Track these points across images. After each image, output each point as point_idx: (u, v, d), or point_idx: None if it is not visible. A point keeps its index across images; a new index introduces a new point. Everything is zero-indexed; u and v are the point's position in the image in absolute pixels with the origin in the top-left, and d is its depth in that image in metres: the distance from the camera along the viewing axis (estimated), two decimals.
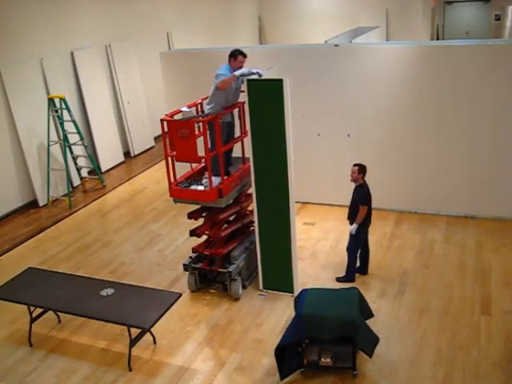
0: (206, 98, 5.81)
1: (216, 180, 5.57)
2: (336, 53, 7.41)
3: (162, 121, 5.47)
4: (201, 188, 5.62)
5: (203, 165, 5.93)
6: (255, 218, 5.76)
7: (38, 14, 9.05)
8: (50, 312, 5.53)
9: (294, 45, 10.37)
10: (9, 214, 8.56)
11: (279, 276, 5.84)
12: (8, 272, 6.55)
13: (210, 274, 6.06)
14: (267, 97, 5.26)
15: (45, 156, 8.87)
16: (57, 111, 8.87)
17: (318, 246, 6.89)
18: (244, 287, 6.02)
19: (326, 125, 7.64)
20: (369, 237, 6.22)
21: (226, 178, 5.66)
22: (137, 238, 7.55)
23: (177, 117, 5.55)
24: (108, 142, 10.50)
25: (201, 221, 6.01)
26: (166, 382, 4.77)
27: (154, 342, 5.26)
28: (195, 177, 5.92)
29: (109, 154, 10.49)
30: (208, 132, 5.55)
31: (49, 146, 8.81)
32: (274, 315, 5.54)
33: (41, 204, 8.86)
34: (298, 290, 5.80)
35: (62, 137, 8.99)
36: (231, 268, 5.78)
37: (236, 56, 5.62)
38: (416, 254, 6.50)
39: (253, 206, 5.81)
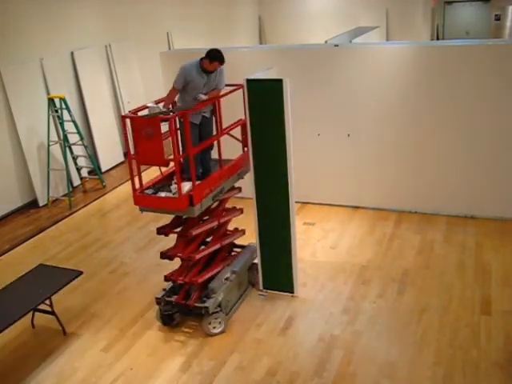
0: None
1: (187, 186, 4.89)
2: (336, 53, 7.41)
3: (123, 118, 4.90)
4: (169, 195, 4.93)
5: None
6: (255, 218, 5.75)
7: (38, 14, 9.04)
8: None
9: (294, 45, 10.37)
10: (9, 214, 8.55)
11: (279, 276, 5.83)
12: (8, 272, 6.56)
13: (184, 308, 5.31)
14: (267, 97, 5.26)
15: (45, 156, 8.87)
16: (57, 111, 8.87)
17: (317, 245, 6.90)
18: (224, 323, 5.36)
19: (325, 125, 7.64)
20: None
21: (198, 183, 4.98)
22: (137, 238, 7.55)
23: (142, 113, 4.91)
24: (108, 142, 10.50)
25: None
26: (166, 381, 4.77)
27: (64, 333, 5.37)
28: (166, 181, 5.22)
29: (109, 154, 10.49)
30: (179, 130, 5.06)
31: (49, 146, 8.81)
32: (274, 315, 5.54)
33: (41, 204, 8.86)
34: (298, 290, 5.82)
35: (62, 137, 8.99)
36: (208, 303, 5.15)
37: (213, 60, 5.03)
38: (416, 254, 6.50)
39: (231, 223, 5.62)
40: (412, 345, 4.96)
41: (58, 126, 8.99)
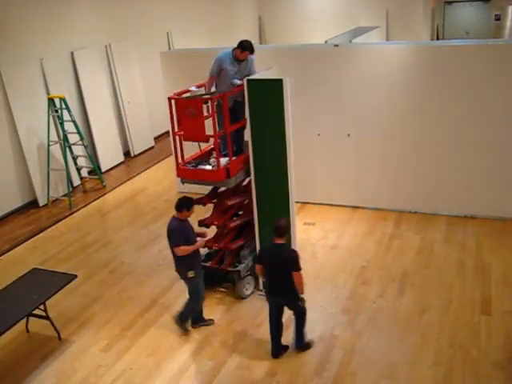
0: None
1: (224, 160, 5.47)
2: (336, 53, 7.41)
3: (169, 99, 5.48)
4: (208, 167, 5.49)
5: (212, 146, 5.77)
6: (255, 218, 5.75)
7: (38, 14, 9.04)
8: None
9: (294, 45, 10.38)
10: (9, 214, 8.55)
11: None
12: (8, 272, 6.56)
13: (216, 274, 5.93)
14: (267, 97, 5.26)
15: (45, 156, 8.87)
16: (57, 111, 8.87)
17: (317, 245, 6.89)
18: (257, 285, 5.92)
19: (325, 125, 7.64)
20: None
21: (233, 158, 5.53)
22: (137, 237, 7.55)
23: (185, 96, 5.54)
24: (108, 142, 10.49)
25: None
26: (166, 381, 4.77)
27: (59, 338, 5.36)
28: (203, 157, 5.79)
29: (109, 154, 10.49)
30: (216, 112, 5.45)
31: (49, 146, 8.81)
32: None
33: (41, 204, 8.86)
34: None
35: (62, 137, 8.99)
36: (240, 267, 5.73)
37: (245, 50, 5.57)
38: (416, 254, 6.50)
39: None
40: (412, 345, 4.96)
41: (58, 126, 8.99)
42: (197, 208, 5.96)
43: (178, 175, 5.69)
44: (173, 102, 5.50)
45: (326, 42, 9.81)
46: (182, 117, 5.37)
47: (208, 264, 5.90)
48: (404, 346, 4.97)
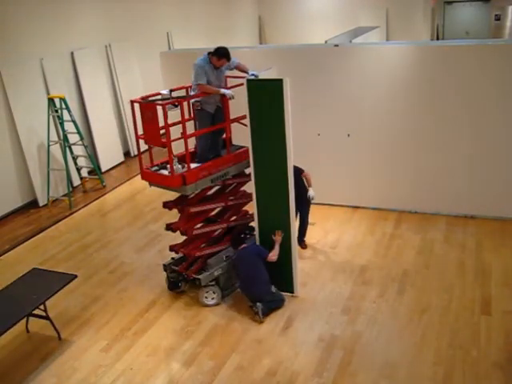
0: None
1: (192, 166, 5.45)
2: (336, 53, 7.41)
3: (132, 102, 5.53)
4: (165, 172, 5.50)
5: (191, 150, 5.67)
6: (255, 218, 5.75)
7: (38, 14, 9.05)
8: None
9: (294, 45, 10.38)
10: (9, 214, 8.55)
11: (279, 276, 5.83)
12: (8, 272, 6.56)
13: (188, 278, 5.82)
14: (267, 97, 5.26)
15: (45, 156, 8.87)
16: (57, 111, 8.87)
17: (317, 245, 6.89)
18: (223, 297, 5.80)
19: (326, 125, 7.64)
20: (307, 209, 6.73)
21: (197, 165, 5.50)
22: (137, 237, 7.55)
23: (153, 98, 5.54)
24: (108, 142, 10.50)
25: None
26: (166, 381, 4.77)
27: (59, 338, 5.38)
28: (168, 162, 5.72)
29: (109, 154, 10.49)
30: (197, 117, 5.63)
31: (49, 146, 8.81)
32: (274, 315, 5.53)
33: (41, 204, 8.86)
34: (298, 289, 5.82)
35: (62, 137, 8.99)
36: (202, 275, 5.58)
37: (221, 58, 5.52)
38: (416, 254, 6.50)
39: (252, 206, 5.78)
40: (412, 345, 4.96)
41: (58, 126, 8.99)
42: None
43: (142, 178, 5.74)
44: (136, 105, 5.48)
45: (326, 42, 9.83)
46: (144, 120, 5.35)
47: (177, 268, 5.86)
48: (404, 346, 4.97)
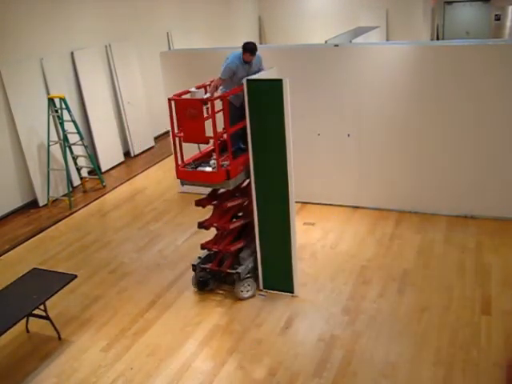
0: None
1: (225, 162, 5.51)
2: (336, 53, 7.41)
3: (169, 100, 5.46)
4: (209, 169, 5.52)
5: (212, 147, 5.76)
6: (255, 218, 5.75)
7: (38, 13, 9.04)
8: None
9: (294, 45, 10.37)
10: (9, 214, 8.55)
11: (279, 276, 5.83)
12: (8, 272, 6.56)
13: (218, 275, 5.95)
14: (267, 97, 5.26)
15: (45, 156, 8.87)
16: (57, 111, 8.87)
17: (317, 245, 6.89)
18: (258, 287, 5.93)
19: (325, 125, 7.64)
20: None
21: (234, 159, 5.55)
22: (137, 237, 7.55)
23: (185, 97, 5.56)
24: (108, 142, 10.49)
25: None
26: (166, 381, 4.77)
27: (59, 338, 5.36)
28: (203, 159, 5.78)
29: (109, 154, 10.49)
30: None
31: (49, 145, 8.81)
32: (274, 315, 5.54)
33: (41, 204, 8.86)
34: (298, 290, 5.82)
35: (62, 137, 8.98)
36: (240, 269, 5.75)
37: (249, 52, 5.64)
38: (416, 254, 6.50)
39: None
40: (412, 345, 4.96)
41: (58, 126, 8.99)
42: (197, 209, 6.10)
43: (178, 177, 5.70)
44: (173, 103, 5.47)
45: (326, 41, 9.82)
46: (182, 118, 5.36)
47: (208, 266, 5.91)
48: (404, 346, 4.97)
